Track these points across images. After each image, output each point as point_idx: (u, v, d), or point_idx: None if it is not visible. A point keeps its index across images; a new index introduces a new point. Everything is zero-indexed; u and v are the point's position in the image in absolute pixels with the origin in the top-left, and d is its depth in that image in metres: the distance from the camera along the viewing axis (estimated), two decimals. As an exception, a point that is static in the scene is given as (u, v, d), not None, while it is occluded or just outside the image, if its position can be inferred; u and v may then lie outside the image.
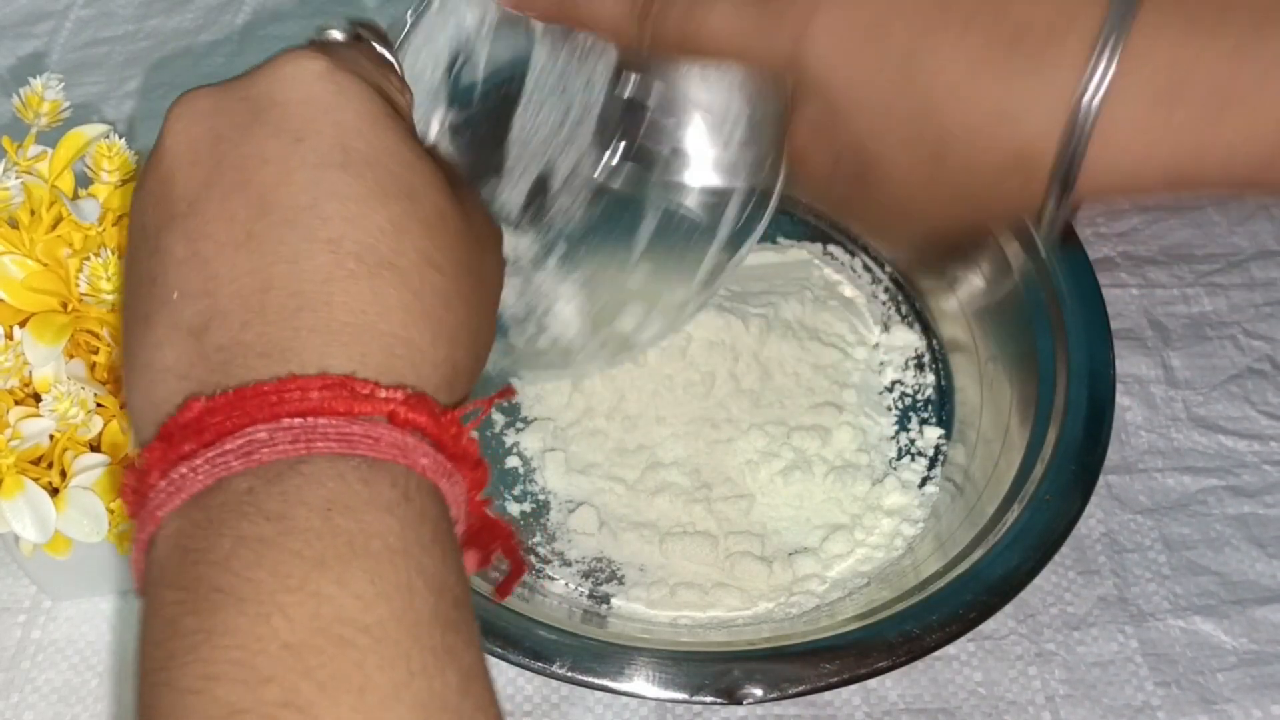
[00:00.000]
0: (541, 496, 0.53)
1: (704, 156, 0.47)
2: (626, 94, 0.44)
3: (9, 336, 0.41)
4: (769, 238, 0.61)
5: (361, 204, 0.27)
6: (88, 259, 0.42)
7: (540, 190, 0.46)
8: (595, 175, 0.45)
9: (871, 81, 0.35)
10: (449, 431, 0.27)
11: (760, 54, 0.37)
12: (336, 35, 0.32)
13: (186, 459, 0.25)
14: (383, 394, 0.26)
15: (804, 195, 0.39)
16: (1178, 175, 0.32)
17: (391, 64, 0.33)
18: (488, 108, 0.46)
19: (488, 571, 0.30)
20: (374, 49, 0.32)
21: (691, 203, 0.48)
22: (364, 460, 0.25)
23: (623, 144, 0.47)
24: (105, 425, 0.43)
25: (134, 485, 0.27)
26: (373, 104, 0.29)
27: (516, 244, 0.45)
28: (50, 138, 0.45)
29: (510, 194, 0.45)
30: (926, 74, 0.33)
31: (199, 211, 0.28)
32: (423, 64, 0.43)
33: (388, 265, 0.27)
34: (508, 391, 0.32)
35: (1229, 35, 0.31)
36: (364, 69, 0.30)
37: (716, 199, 0.48)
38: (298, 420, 0.25)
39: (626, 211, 0.48)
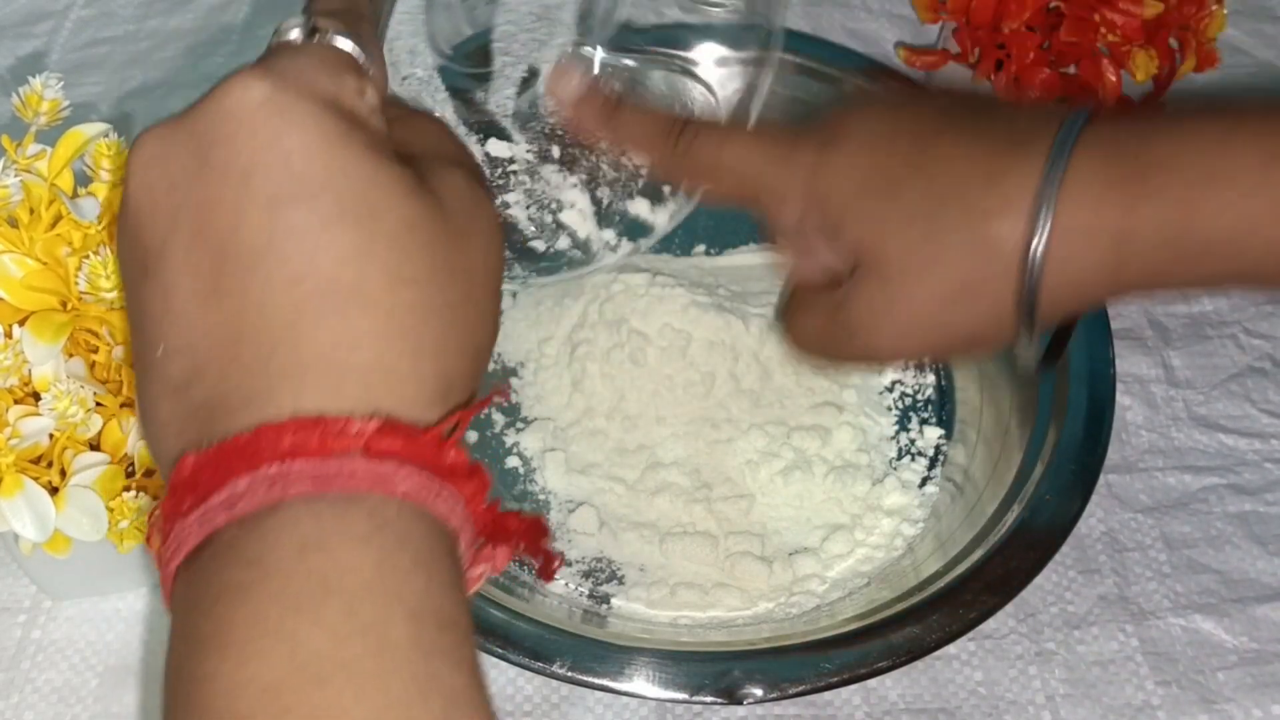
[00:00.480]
0: (541, 496, 0.53)
1: (700, 26, 0.47)
2: None
3: (8, 335, 0.41)
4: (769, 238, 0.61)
5: (319, 234, 0.27)
6: (87, 257, 0.42)
7: (529, 88, 0.46)
8: (585, 52, 0.45)
9: (882, 169, 0.40)
10: (429, 450, 0.27)
11: (780, 184, 0.42)
12: (294, 35, 0.30)
13: (184, 515, 0.26)
14: (355, 427, 0.26)
15: (800, 347, 0.45)
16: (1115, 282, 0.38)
17: (352, 58, 0.30)
18: (472, 22, 0.46)
19: (533, 560, 0.30)
20: (332, 46, 0.30)
21: (696, 71, 0.48)
22: (340, 496, 0.26)
23: (609, 22, 0.47)
24: (105, 424, 0.43)
25: (152, 542, 0.28)
26: (321, 123, 0.28)
27: (514, 149, 0.45)
28: (50, 137, 0.45)
29: (500, 96, 0.45)
30: (930, 159, 0.39)
31: (166, 265, 0.28)
32: None
33: (354, 295, 0.27)
34: (499, 391, 0.31)
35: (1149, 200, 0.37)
36: (314, 80, 0.28)
37: (720, 65, 0.48)
38: (274, 467, 0.26)
39: (625, 91, 0.47)
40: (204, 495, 0.26)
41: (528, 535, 0.30)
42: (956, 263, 0.39)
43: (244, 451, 0.26)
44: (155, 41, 0.72)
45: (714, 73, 0.49)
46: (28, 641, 0.49)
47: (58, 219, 0.43)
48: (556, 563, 0.31)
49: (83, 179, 0.45)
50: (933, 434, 0.55)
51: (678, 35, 0.48)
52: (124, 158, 0.45)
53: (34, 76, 0.45)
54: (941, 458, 0.54)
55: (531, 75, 0.45)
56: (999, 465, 0.51)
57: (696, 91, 0.49)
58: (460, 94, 0.45)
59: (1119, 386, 0.51)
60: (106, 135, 0.45)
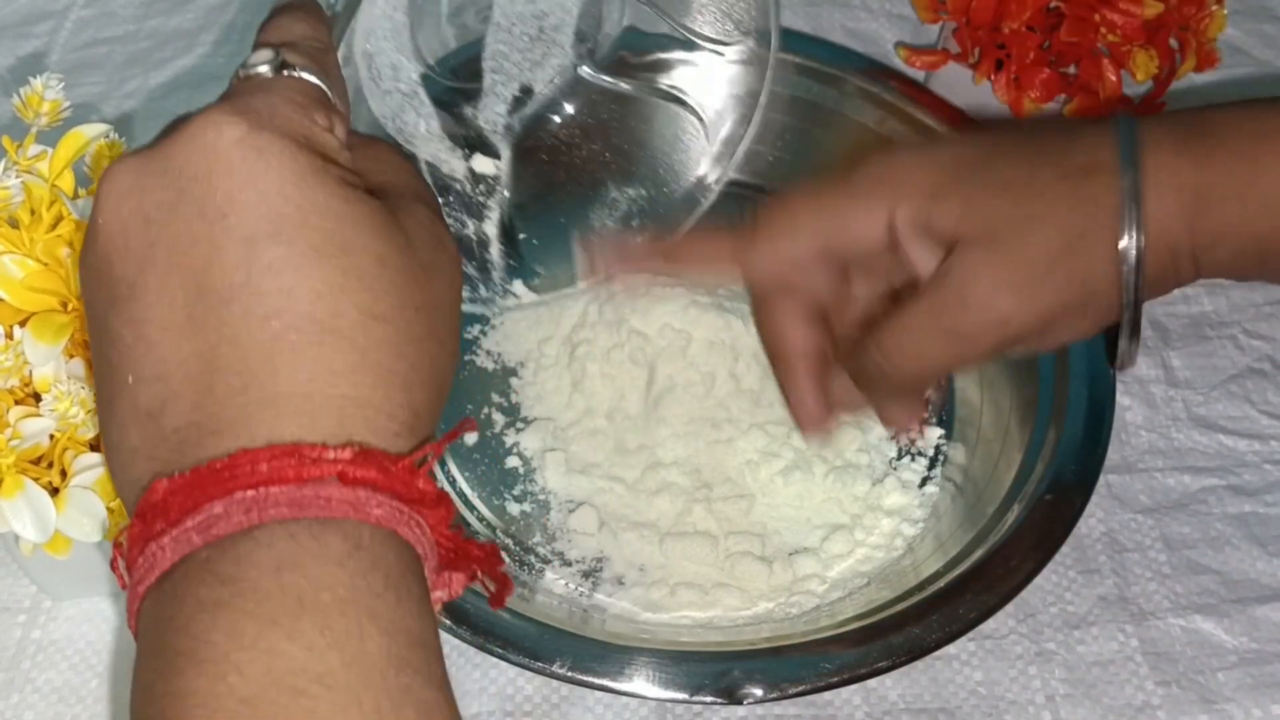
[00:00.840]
0: (541, 496, 0.53)
1: (696, 56, 0.47)
2: None
3: (9, 336, 0.41)
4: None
5: (295, 271, 0.28)
6: (88, 259, 0.42)
7: (520, 106, 0.46)
8: (582, 73, 0.45)
9: (964, 155, 0.43)
10: (401, 479, 0.28)
11: (863, 201, 0.44)
12: (263, 70, 0.31)
13: (156, 537, 0.27)
14: (331, 455, 0.27)
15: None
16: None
17: (321, 91, 0.31)
18: (460, 38, 0.46)
19: (483, 587, 0.32)
20: (300, 79, 0.31)
21: (688, 99, 0.48)
22: (315, 520, 0.26)
23: (605, 46, 0.47)
24: (105, 425, 0.43)
25: (118, 565, 0.28)
26: (296, 162, 0.28)
27: (500, 166, 0.46)
28: (50, 137, 0.45)
29: (490, 113, 0.45)
30: (1007, 141, 0.43)
31: (139, 295, 0.28)
32: (383, 13, 0.42)
33: (329, 330, 0.28)
34: (465, 425, 0.32)
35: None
36: (287, 117, 0.29)
37: (713, 96, 0.49)
38: (250, 492, 0.26)
39: (617, 113, 0.48)
40: (177, 519, 0.26)
41: (485, 562, 0.31)
42: (1062, 216, 0.41)
43: (220, 477, 0.26)
44: (155, 41, 0.72)
45: (705, 102, 0.49)
46: (28, 641, 0.49)
47: (58, 220, 0.43)
48: (509, 592, 0.32)
49: (83, 180, 0.46)
50: (933, 434, 0.55)
51: (673, 64, 0.49)
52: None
53: (34, 77, 0.45)
54: (941, 458, 0.54)
55: (525, 94, 0.46)
56: (999, 465, 0.51)
57: (686, 120, 0.49)
58: (447, 108, 0.45)
59: (1119, 386, 0.52)
60: (107, 136, 0.46)
